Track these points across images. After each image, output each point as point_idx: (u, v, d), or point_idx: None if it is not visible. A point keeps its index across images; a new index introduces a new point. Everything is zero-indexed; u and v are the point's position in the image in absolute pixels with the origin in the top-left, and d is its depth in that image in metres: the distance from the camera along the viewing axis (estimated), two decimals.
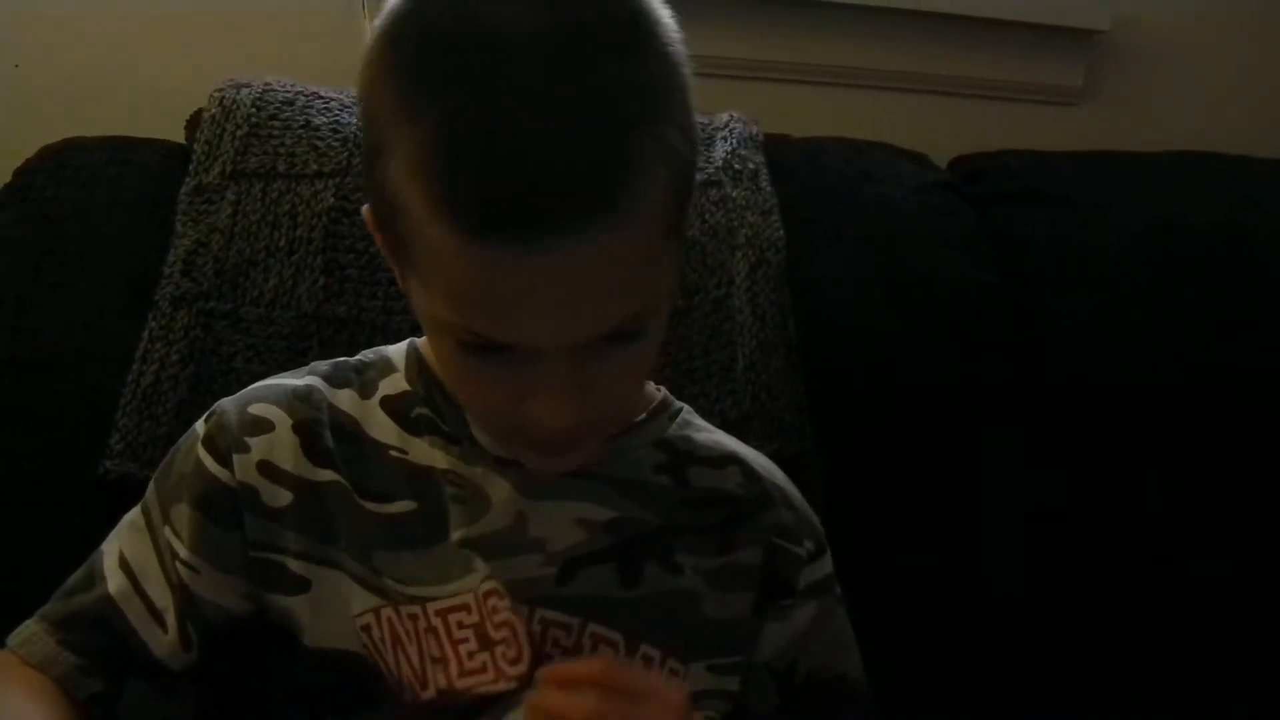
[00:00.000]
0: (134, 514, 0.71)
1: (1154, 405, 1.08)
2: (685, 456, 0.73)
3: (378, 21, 0.56)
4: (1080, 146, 1.26)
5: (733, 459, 0.75)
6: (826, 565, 0.76)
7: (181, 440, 0.72)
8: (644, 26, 0.55)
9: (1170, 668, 1.04)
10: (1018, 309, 1.11)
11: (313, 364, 0.74)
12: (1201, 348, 1.10)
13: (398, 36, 0.55)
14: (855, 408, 1.01)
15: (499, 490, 0.68)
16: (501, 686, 0.66)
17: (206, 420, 0.70)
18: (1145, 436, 1.08)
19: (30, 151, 0.99)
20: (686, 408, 0.77)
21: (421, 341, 0.73)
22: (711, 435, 0.76)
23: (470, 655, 0.67)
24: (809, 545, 0.74)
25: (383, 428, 0.70)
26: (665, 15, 0.57)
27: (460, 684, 0.66)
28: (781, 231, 1.01)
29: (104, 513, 0.74)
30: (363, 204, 0.62)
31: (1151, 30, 1.39)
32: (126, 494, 0.75)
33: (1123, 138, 1.28)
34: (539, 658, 0.67)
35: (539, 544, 0.68)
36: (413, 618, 0.67)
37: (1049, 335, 1.11)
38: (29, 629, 0.69)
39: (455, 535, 0.67)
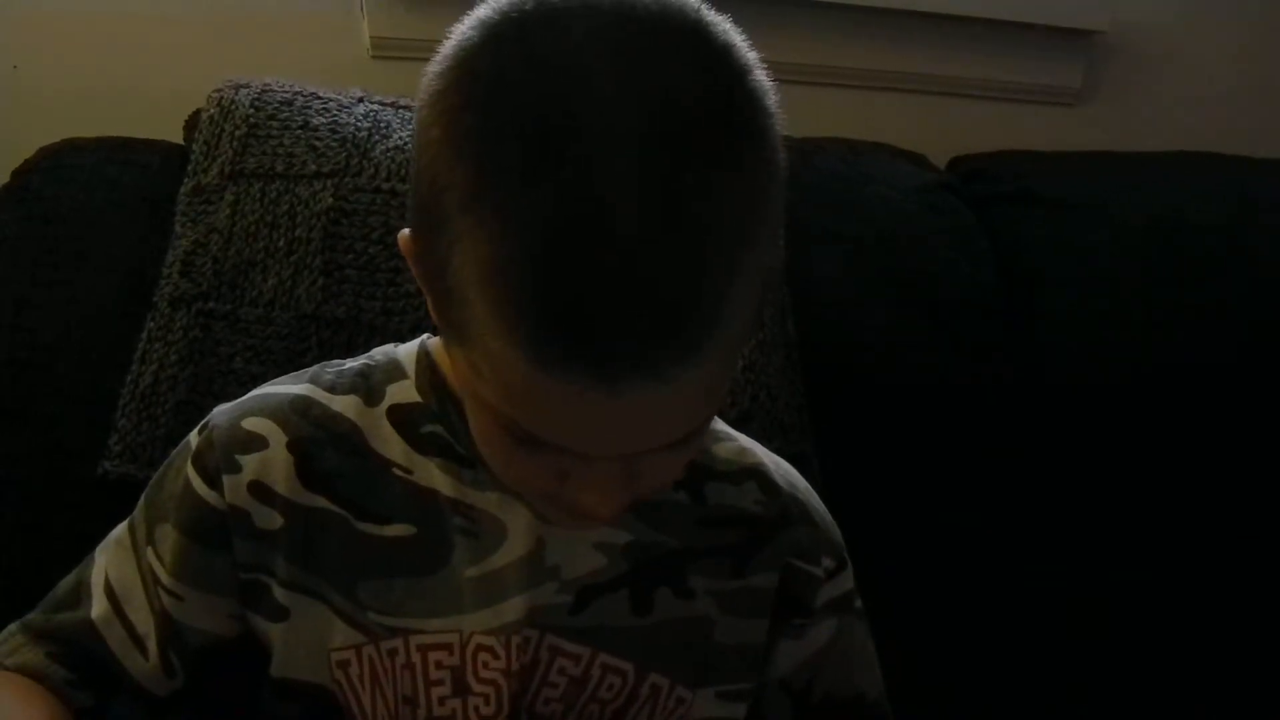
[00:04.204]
0: (122, 530, 0.69)
1: (1154, 405, 1.08)
2: (703, 471, 0.69)
3: (447, 56, 0.49)
4: (1079, 147, 1.26)
5: (752, 473, 0.71)
6: (846, 582, 0.73)
7: (174, 454, 0.68)
8: (752, 123, 0.49)
9: (1171, 667, 1.04)
10: (1016, 309, 1.11)
11: (316, 369, 0.69)
12: (1201, 348, 1.10)
13: (472, 104, 0.47)
14: (854, 407, 1.01)
15: (517, 517, 0.64)
16: None
17: (200, 432, 0.66)
18: (1145, 436, 1.08)
19: (29, 152, 0.99)
20: None
21: (434, 344, 0.67)
22: (732, 444, 0.72)
23: (442, 700, 0.64)
24: (828, 563, 0.71)
25: (388, 441, 0.65)
26: (765, 89, 0.50)
27: None
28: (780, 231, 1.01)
29: (103, 513, 0.73)
30: (402, 228, 0.56)
31: (1150, 31, 1.39)
32: (125, 495, 0.74)
33: (1121, 138, 1.29)
34: (516, 717, 0.64)
35: (555, 571, 0.64)
36: (392, 653, 0.64)
37: (1048, 335, 1.11)
38: (15, 639, 0.67)
39: (468, 573, 0.64)
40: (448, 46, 0.50)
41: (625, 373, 0.46)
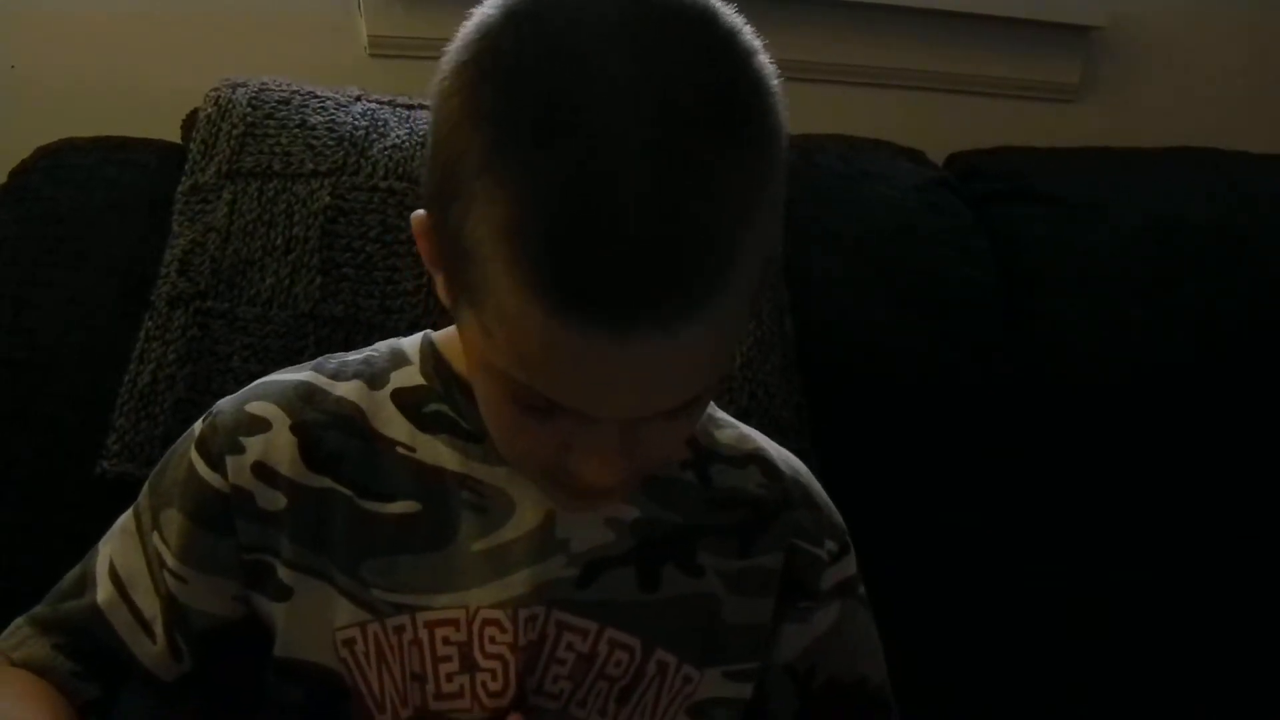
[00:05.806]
0: (126, 517, 0.70)
1: (1153, 403, 1.08)
2: (707, 454, 0.71)
3: (468, 34, 0.53)
4: (1077, 143, 1.26)
5: (754, 457, 0.72)
6: (849, 566, 0.74)
7: (179, 441, 0.69)
8: (755, 100, 0.52)
9: (1171, 667, 1.04)
10: (1015, 306, 1.11)
11: (319, 359, 0.71)
12: (1199, 345, 1.10)
13: (492, 76, 0.51)
14: (852, 405, 1.01)
15: (526, 490, 0.65)
16: (476, 715, 0.65)
17: (204, 420, 0.68)
18: (1144, 434, 1.08)
19: (26, 152, 0.99)
20: None
21: (438, 336, 0.69)
22: (733, 430, 0.73)
23: (449, 677, 0.65)
24: (831, 546, 0.72)
25: (391, 422, 0.67)
26: (768, 72, 0.53)
27: (435, 705, 0.65)
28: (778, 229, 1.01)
29: (101, 512, 0.73)
30: (416, 209, 0.59)
31: (1148, 26, 1.39)
32: (124, 494, 0.74)
33: (1120, 134, 1.28)
34: (524, 695, 0.65)
35: (564, 545, 0.66)
36: (399, 630, 0.64)
37: (1046, 332, 1.11)
38: (22, 631, 0.68)
39: (475, 546, 0.65)
40: (469, 25, 0.53)
41: (634, 325, 0.49)
